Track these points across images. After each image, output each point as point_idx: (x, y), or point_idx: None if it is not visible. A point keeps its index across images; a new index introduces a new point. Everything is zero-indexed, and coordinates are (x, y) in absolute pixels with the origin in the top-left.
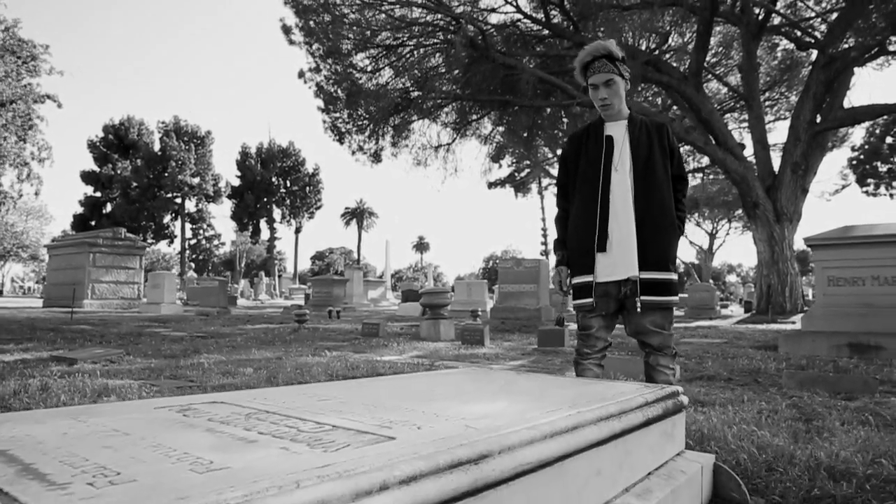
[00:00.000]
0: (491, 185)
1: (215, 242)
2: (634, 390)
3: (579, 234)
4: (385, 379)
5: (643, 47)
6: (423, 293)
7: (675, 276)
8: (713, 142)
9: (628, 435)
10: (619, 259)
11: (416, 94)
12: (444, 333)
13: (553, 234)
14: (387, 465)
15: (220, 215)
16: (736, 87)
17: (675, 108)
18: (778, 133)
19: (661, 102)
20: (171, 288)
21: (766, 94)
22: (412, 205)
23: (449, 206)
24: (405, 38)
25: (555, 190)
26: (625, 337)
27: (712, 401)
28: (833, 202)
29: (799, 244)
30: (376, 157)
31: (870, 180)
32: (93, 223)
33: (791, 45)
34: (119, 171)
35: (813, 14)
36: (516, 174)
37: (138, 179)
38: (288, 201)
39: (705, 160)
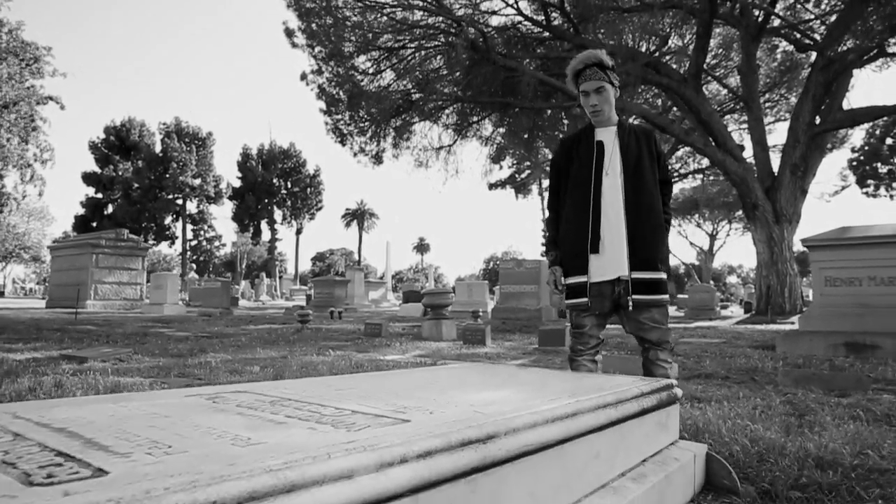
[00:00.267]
0: (491, 186)
1: (216, 244)
2: (630, 382)
3: (572, 236)
4: (395, 372)
5: (643, 49)
6: (425, 294)
7: (664, 275)
8: (713, 143)
9: (624, 423)
10: (610, 259)
11: (417, 96)
12: (445, 333)
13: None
14: (405, 441)
15: (221, 216)
16: (735, 88)
17: (675, 109)
18: (778, 134)
19: (661, 104)
20: (174, 289)
21: (766, 96)
22: (412, 206)
23: (449, 207)
24: (406, 41)
25: None
26: (624, 337)
27: (709, 397)
28: (833, 203)
29: (798, 245)
30: (378, 159)
31: (870, 181)
32: (94, 224)
33: (790, 47)
34: (120, 173)
35: (812, 16)
36: (517, 175)
37: (139, 181)
38: (289, 202)
39: (705, 161)
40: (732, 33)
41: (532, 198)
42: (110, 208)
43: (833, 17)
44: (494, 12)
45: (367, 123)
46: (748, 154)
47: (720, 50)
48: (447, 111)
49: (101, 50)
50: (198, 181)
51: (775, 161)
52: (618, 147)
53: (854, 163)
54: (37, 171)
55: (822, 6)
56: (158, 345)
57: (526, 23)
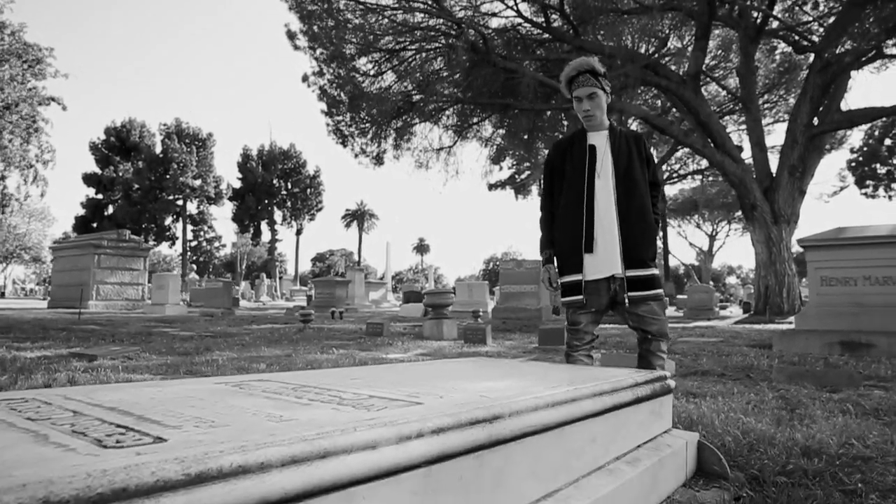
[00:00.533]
0: (491, 186)
1: (216, 244)
2: (626, 374)
3: (567, 235)
4: (403, 365)
5: (642, 51)
6: (426, 294)
7: (656, 271)
8: (711, 144)
9: (620, 410)
10: (604, 258)
11: (417, 97)
12: (446, 333)
13: None
14: (420, 419)
15: (222, 217)
16: (734, 89)
17: (674, 110)
18: (777, 135)
19: (660, 105)
20: (176, 289)
21: (765, 97)
22: (412, 206)
23: (449, 208)
24: (407, 43)
25: None
26: (623, 336)
27: (704, 393)
28: (832, 203)
29: (797, 246)
30: (378, 160)
31: (869, 182)
32: (94, 225)
33: (789, 49)
34: (121, 173)
35: (810, 18)
36: (517, 176)
37: (140, 181)
38: (289, 203)
39: (704, 162)
40: (731, 35)
41: (532, 198)
42: (111, 209)
43: (831, 20)
44: (494, 14)
45: (367, 125)
46: (747, 155)
47: (719, 51)
48: (447, 112)
49: (101, 50)
50: (198, 182)
51: (774, 162)
52: (609, 151)
53: (853, 163)
54: (39, 172)
55: (820, 8)
56: (164, 343)
57: (526, 25)
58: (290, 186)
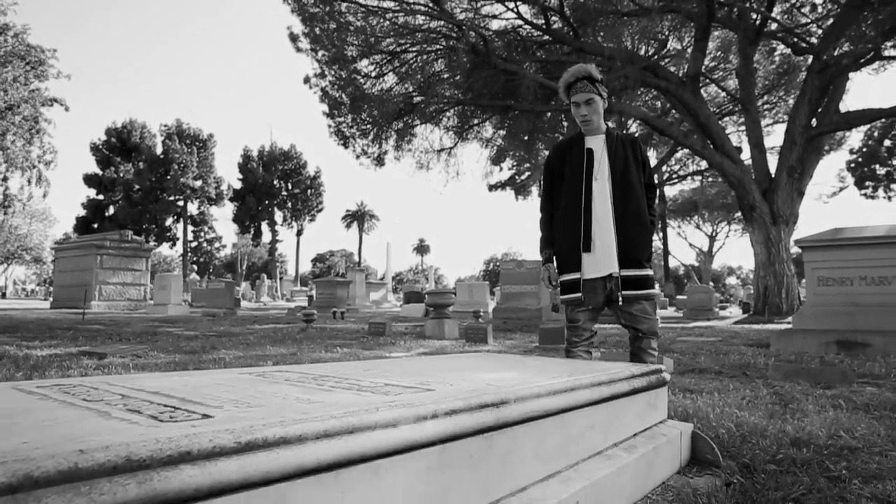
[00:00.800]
0: (491, 187)
1: (217, 245)
2: (623, 367)
3: (566, 236)
4: (412, 358)
5: (642, 52)
6: (428, 294)
7: (650, 272)
8: (711, 145)
9: (617, 400)
10: (601, 258)
11: (418, 98)
12: (448, 332)
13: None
14: (434, 402)
15: (222, 218)
16: (733, 91)
17: (673, 111)
18: (777, 136)
19: (660, 106)
20: (178, 289)
21: (765, 98)
22: (412, 207)
23: (449, 209)
24: (408, 45)
25: None
26: (623, 336)
27: (700, 389)
28: (831, 204)
29: (795, 246)
30: (380, 161)
31: (868, 183)
32: (95, 226)
33: (788, 50)
34: (122, 174)
35: (808, 20)
36: (517, 177)
37: (141, 182)
38: (289, 204)
39: (704, 163)
40: (730, 37)
41: (532, 199)
42: (111, 210)
43: (829, 22)
44: (495, 16)
45: (369, 126)
46: (746, 156)
47: (718, 53)
48: (448, 114)
49: (101, 51)
50: (199, 183)
51: (773, 163)
52: (606, 154)
53: (852, 164)
54: (43, 173)
55: (818, 11)
56: (170, 343)
57: (526, 27)
58: (290, 187)
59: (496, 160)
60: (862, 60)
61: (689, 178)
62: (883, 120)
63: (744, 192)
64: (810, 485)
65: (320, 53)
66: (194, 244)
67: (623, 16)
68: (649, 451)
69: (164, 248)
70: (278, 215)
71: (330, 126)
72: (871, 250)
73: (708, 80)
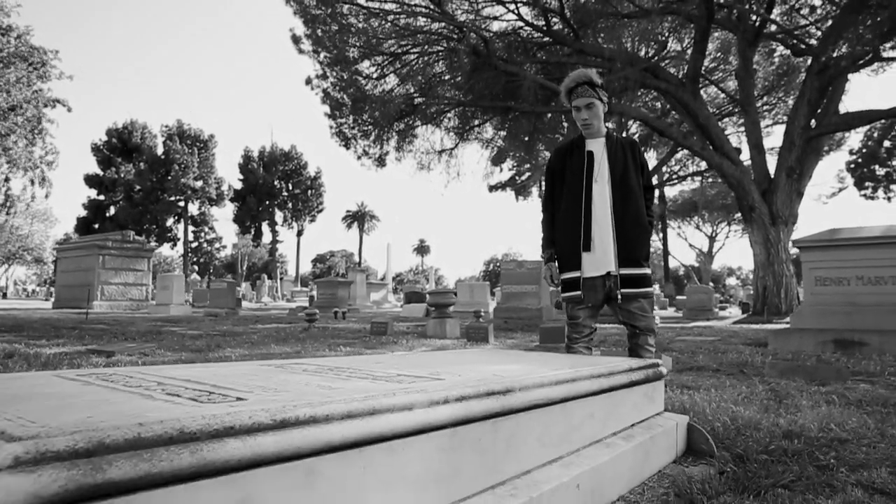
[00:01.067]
0: (492, 188)
1: (217, 245)
2: (621, 360)
3: (567, 236)
4: (420, 352)
5: (642, 54)
6: (429, 293)
7: (648, 271)
8: (710, 146)
9: (616, 392)
10: (600, 257)
11: (420, 100)
12: (449, 331)
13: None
14: (445, 389)
15: (223, 218)
16: (733, 92)
17: (673, 112)
18: (776, 137)
19: (660, 107)
20: (180, 290)
21: (764, 99)
22: (413, 207)
23: (450, 209)
24: (410, 46)
25: None
26: (623, 335)
27: (698, 386)
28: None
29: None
30: (381, 162)
31: (868, 183)
32: (96, 226)
33: (787, 52)
34: (122, 175)
35: (807, 22)
36: (517, 177)
37: (141, 183)
38: (290, 204)
39: (704, 164)
40: (730, 38)
41: (532, 200)
42: (112, 210)
43: (828, 23)
44: (496, 18)
45: (370, 127)
46: (745, 157)
47: (718, 54)
48: (449, 115)
49: (102, 51)
50: (199, 183)
51: (772, 164)
52: (606, 157)
53: (852, 165)
54: (46, 174)
55: (817, 12)
56: (176, 341)
57: (526, 28)
58: (291, 188)
59: (496, 161)
60: (861, 62)
61: (689, 178)
62: (882, 121)
63: (743, 192)
64: (799, 473)
65: (322, 55)
66: (195, 245)
67: (623, 17)
68: (646, 440)
69: (165, 249)
70: (279, 216)
71: (331, 127)
72: (867, 251)
73: (707, 82)
